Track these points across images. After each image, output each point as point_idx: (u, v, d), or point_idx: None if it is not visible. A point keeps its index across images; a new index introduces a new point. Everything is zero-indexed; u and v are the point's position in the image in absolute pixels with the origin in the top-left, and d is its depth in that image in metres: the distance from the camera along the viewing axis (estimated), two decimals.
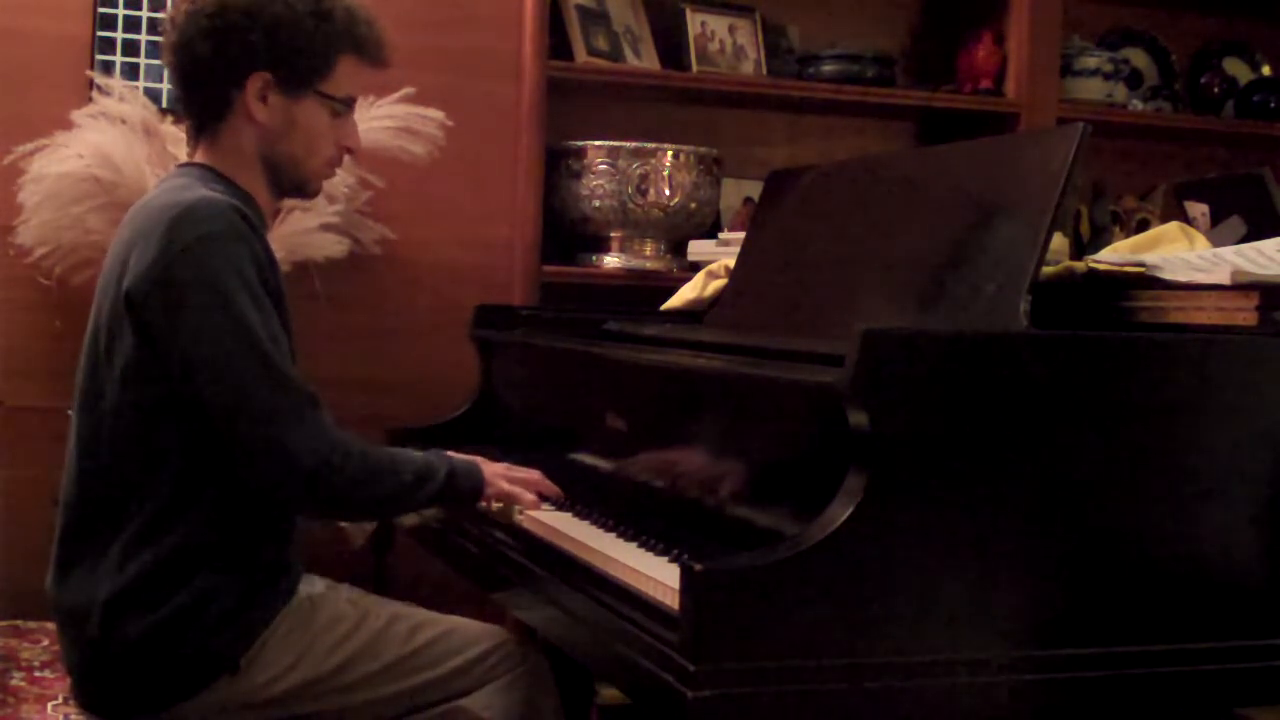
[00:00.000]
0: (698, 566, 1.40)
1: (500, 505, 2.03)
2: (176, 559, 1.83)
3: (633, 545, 1.77)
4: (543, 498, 2.04)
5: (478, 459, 2.02)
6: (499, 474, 2.01)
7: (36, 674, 2.34)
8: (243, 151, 1.97)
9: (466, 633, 2.02)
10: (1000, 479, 1.52)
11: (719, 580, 1.40)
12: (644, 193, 3.07)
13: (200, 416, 1.81)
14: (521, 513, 2.01)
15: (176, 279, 1.79)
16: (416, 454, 1.95)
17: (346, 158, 2.09)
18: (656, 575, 1.58)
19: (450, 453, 2.00)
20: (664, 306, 2.65)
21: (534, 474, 2.05)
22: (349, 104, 2.01)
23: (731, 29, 3.34)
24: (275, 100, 1.95)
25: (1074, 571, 1.54)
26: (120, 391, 1.85)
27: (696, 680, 1.38)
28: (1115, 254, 2.04)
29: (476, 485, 1.98)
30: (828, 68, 3.35)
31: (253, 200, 1.97)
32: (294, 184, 2.03)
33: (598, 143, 3.09)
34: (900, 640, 1.45)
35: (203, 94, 1.97)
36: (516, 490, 2.01)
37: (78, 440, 1.92)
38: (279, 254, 2.74)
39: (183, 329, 1.79)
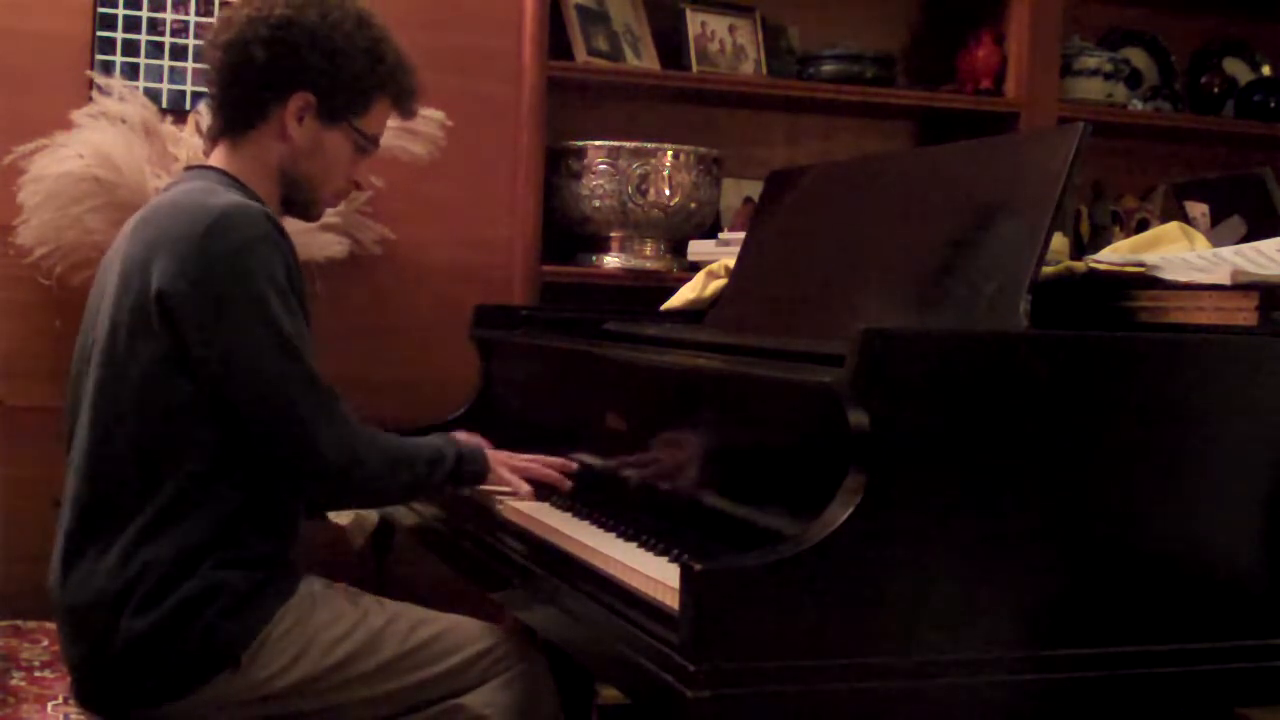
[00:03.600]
0: (698, 566, 1.40)
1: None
2: (179, 556, 1.84)
3: (632, 545, 1.77)
4: (540, 489, 2.09)
5: (484, 444, 2.11)
6: (501, 461, 2.09)
7: (36, 674, 2.34)
8: (263, 162, 2.01)
9: (465, 631, 2.02)
10: (1000, 479, 1.52)
11: (719, 580, 1.40)
12: (644, 193, 3.08)
13: (225, 416, 1.85)
14: (501, 502, 2.08)
15: (216, 284, 1.83)
16: (426, 442, 2.03)
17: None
18: (656, 575, 1.58)
19: (458, 435, 2.10)
20: (664, 306, 2.65)
21: (534, 464, 2.11)
22: (373, 144, 2.08)
23: (731, 29, 3.34)
24: (310, 123, 2.00)
25: (1074, 571, 1.54)
26: (140, 392, 1.87)
27: (696, 680, 1.38)
28: (1115, 254, 2.04)
29: (481, 470, 2.06)
30: (828, 68, 3.35)
31: (267, 206, 1.99)
32: (302, 205, 2.09)
33: (598, 143, 3.10)
34: (900, 640, 1.45)
35: (241, 98, 2.00)
36: (514, 480, 2.08)
37: (89, 439, 1.91)
38: None
39: (222, 334, 1.83)
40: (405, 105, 2.10)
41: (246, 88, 1.99)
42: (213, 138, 2.04)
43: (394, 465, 1.94)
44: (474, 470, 2.05)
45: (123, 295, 1.91)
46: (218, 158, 2.02)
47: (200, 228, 1.85)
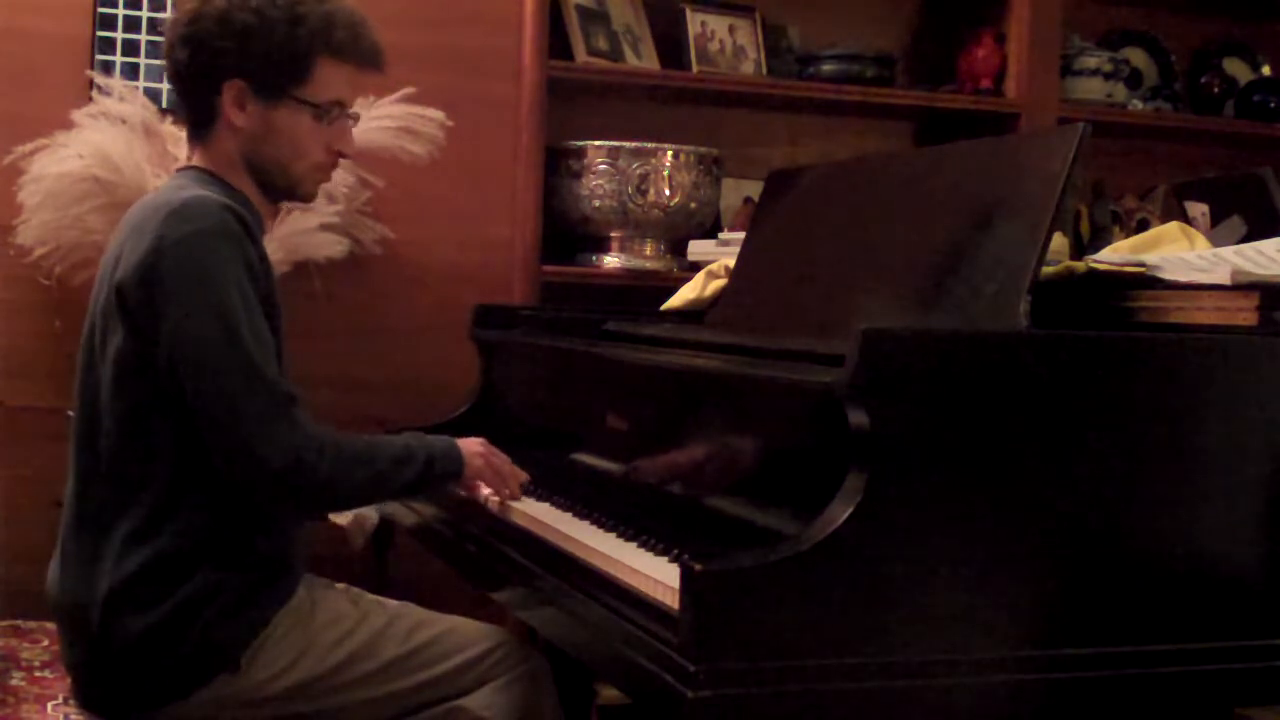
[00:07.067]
0: (698, 566, 1.40)
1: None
2: (175, 556, 1.84)
3: (633, 545, 1.77)
4: (540, 490, 2.06)
5: (456, 440, 2.03)
6: (476, 452, 2.03)
7: (36, 674, 2.34)
8: (230, 156, 1.98)
9: (466, 632, 2.02)
10: (1000, 479, 1.52)
11: (719, 580, 1.40)
12: (644, 193, 3.07)
13: (189, 412, 1.82)
14: (502, 503, 2.07)
15: (164, 273, 1.80)
16: (395, 440, 1.96)
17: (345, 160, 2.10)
18: (656, 575, 1.58)
19: (435, 438, 2.02)
20: (664, 306, 2.65)
21: (506, 462, 2.08)
22: (333, 108, 2.00)
23: (731, 29, 3.34)
24: (253, 107, 1.95)
25: (1074, 571, 1.54)
26: (114, 388, 1.86)
27: (696, 680, 1.38)
28: (1115, 254, 2.04)
29: (456, 468, 2.00)
30: (828, 68, 3.35)
31: (249, 202, 1.98)
32: (282, 188, 2.03)
33: (598, 143, 3.09)
34: (900, 640, 1.45)
35: (189, 99, 2.00)
36: (490, 478, 2.05)
37: (76, 438, 1.92)
38: (279, 254, 2.76)
39: (168, 323, 1.80)
40: (354, 58, 1.99)
41: (185, 90, 1.98)
42: (189, 141, 2.04)
43: (351, 470, 1.86)
44: (447, 470, 1.99)
45: (98, 294, 1.92)
46: (197, 158, 2.02)
47: (156, 221, 1.83)
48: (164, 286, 1.80)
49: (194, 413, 1.81)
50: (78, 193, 2.72)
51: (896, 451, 1.47)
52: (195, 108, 1.99)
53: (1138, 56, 3.77)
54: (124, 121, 2.79)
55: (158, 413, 1.84)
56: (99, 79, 2.90)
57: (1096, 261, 1.92)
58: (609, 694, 2.80)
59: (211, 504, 1.86)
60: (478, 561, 2.07)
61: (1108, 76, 3.53)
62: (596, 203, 3.09)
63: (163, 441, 1.84)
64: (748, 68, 3.34)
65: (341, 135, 2.02)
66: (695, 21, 3.30)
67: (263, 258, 1.90)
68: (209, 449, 1.82)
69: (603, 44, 3.20)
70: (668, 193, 3.09)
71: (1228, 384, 1.62)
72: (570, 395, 2.30)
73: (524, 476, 2.10)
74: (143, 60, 3.02)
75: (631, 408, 2.05)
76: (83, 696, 1.92)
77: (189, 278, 1.80)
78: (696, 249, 3.06)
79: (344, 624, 1.95)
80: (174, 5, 3.03)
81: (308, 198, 2.09)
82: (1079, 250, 3.22)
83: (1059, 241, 2.23)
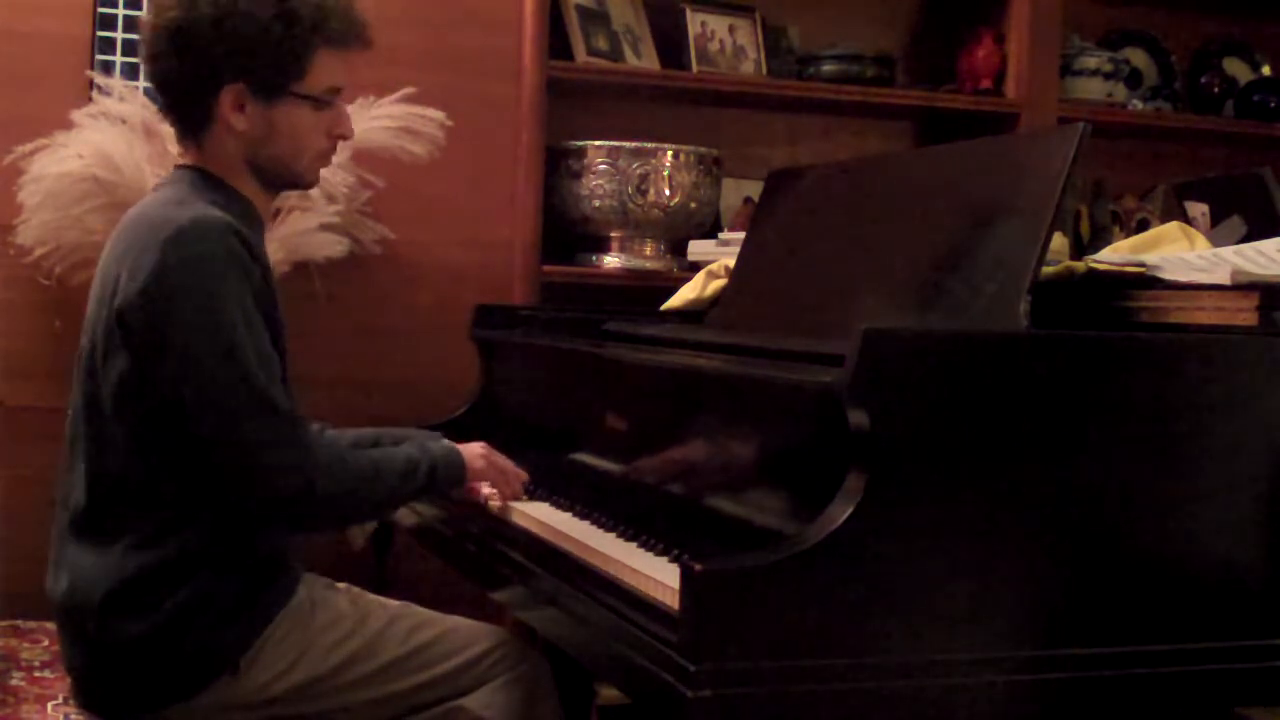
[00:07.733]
0: (698, 566, 1.40)
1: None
2: (176, 559, 1.84)
3: (633, 545, 1.77)
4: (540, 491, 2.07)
5: (458, 446, 2.04)
6: (478, 455, 2.05)
7: (36, 674, 2.34)
8: (229, 157, 1.96)
9: (466, 632, 2.02)
10: (1000, 479, 1.52)
11: (719, 580, 1.40)
12: (644, 193, 3.07)
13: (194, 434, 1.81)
14: (502, 503, 2.08)
15: (166, 298, 1.79)
16: (399, 453, 1.97)
17: (346, 157, 2.09)
18: (656, 575, 1.58)
19: (433, 444, 2.03)
20: (664, 306, 2.65)
21: (508, 462, 2.10)
22: (332, 97, 1.99)
23: (731, 29, 3.34)
24: (252, 108, 1.93)
25: (1074, 571, 1.54)
26: (116, 404, 1.85)
27: (696, 680, 1.38)
28: (1115, 254, 2.04)
29: (459, 474, 2.02)
30: (828, 68, 3.35)
31: (249, 205, 1.97)
32: (288, 183, 2.03)
33: (598, 143, 3.09)
34: (900, 640, 1.45)
35: (180, 106, 1.97)
36: (494, 477, 2.07)
37: (84, 445, 1.91)
38: (279, 254, 2.77)
39: (171, 348, 1.79)
40: (349, 43, 1.97)
41: (178, 98, 1.96)
42: (181, 143, 2.01)
43: (357, 489, 1.87)
44: (451, 477, 2.00)
45: (98, 310, 1.90)
46: (193, 158, 1.99)
47: (158, 242, 1.81)
48: (167, 311, 1.79)
49: (199, 437, 1.80)
50: (78, 193, 2.72)
51: (896, 451, 1.47)
52: (188, 113, 1.96)
53: (1138, 56, 3.77)
54: (124, 121, 2.79)
55: (163, 430, 1.83)
56: (99, 79, 2.90)
57: (1096, 261, 1.92)
58: (609, 694, 2.80)
59: (215, 511, 1.85)
60: (478, 561, 2.07)
61: (1108, 76, 3.53)
62: (596, 203, 3.09)
63: (169, 456, 1.84)
64: (748, 68, 3.34)
65: (339, 119, 2.01)
66: (695, 21, 3.30)
67: (265, 271, 1.89)
68: (216, 476, 1.82)
69: (603, 44, 3.20)
70: (668, 193, 3.09)
71: (1228, 384, 1.62)
72: (570, 395, 2.30)
73: (524, 476, 2.10)
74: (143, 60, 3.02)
75: (631, 408, 2.05)
76: (83, 698, 1.92)
77: (192, 303, 1.78)
78: (696, 249, 3.06)
79: (344, 625, 1.95)
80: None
81: (311, 185, 2.09)
82: (1079, 250, 3.22)
83: (1059, 241, 2.23)
